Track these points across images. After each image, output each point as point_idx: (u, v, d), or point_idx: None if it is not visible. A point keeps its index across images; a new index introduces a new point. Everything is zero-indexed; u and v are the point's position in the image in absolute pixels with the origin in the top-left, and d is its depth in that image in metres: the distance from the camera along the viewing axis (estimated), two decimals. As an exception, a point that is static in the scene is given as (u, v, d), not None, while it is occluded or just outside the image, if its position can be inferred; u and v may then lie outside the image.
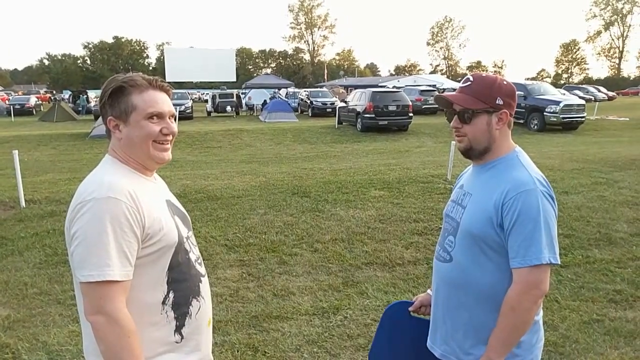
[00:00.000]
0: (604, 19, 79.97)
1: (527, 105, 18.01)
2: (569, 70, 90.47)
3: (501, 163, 1.57)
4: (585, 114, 18.42)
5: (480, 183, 1.59)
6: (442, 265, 1.65)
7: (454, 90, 1.71)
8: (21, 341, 3.27)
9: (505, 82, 1.58)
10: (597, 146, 12.90)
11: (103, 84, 1.47)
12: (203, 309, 1.50)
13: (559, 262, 1.46)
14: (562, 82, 75.06)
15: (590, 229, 5.31)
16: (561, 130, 17.83)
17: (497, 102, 1.54)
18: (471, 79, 1.60)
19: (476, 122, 1.56)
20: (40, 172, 10.45)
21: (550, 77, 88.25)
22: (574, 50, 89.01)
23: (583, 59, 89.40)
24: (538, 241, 1.42)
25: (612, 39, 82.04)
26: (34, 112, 33.80)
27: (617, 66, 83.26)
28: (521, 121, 18.08)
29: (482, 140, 1.57)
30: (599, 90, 43.65)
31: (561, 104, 17.45)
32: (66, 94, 50.80)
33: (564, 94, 21.94)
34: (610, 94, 45.15)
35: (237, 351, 3.14)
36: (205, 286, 1.54)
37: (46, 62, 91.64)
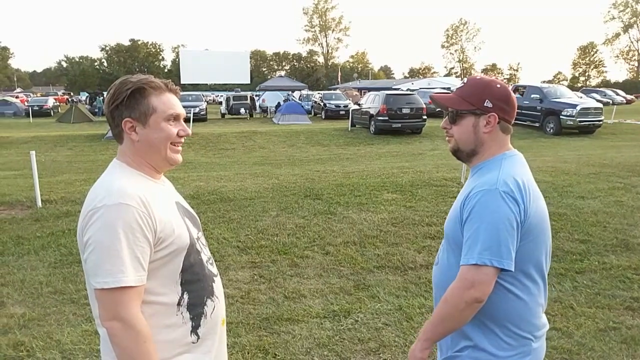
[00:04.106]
0: (622, 21, 78.86)
1: (543, 108, 17.80)
2: (587, 73, 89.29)
3: (485, 166, 1.54)
4: (602, 118, 18.13)
5: (464, 186, 1.59)
6: (434, 268, 1.67)
7: None
8: (35, 339, 3.31)
9: (498, 86, 1.54)
10: (614, 150, 12.68)
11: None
12: (218, 308, 1.51)
13: (507, 268, 1.37)
14: (579, 85, 74.06)
15: (607, 235, 5.21)
16: (578, 134, 17.56)
17: (484, 105, 1.51)
18: (465, 80, 1.60)
19: (462, 123, 1.55)
20: (56, 172, 10.61)
21: (567, 80, 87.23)
22: (592, 53, 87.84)
23: (601, 61, 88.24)
24: (481, 241, 1.37)
25: (631, 42, 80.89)
26: (52, 113, 34.33)
27: (635, 69, 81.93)
28: (537, 125, 17.89)
29: (468, 142, 1.55)
30: (617, 94, 43.02)
31: (578, 107, 17.21)
32: (83, 96, 51.60)
33: (581, 97, 21.64)
34: (629, 97, 44.50)
35: (248, 353, 3.14)
36: (218, 286, 1.55)
37: (64, 64, 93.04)
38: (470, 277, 1.38)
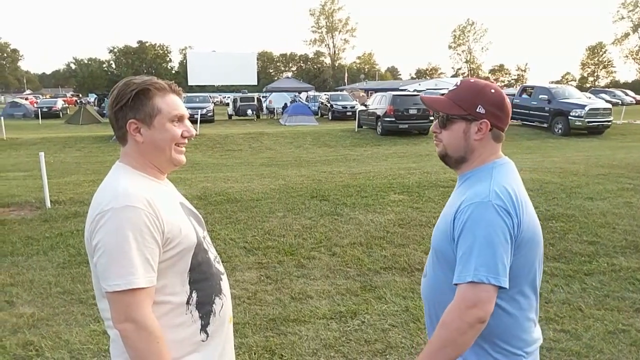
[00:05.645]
0: (632, 20, 77.95)
1: (552, 109, 17.68)
2: (595, 74, 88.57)
3: (475, 175, 1.47)
4: (611, 118, 18.00)
5: (453, 196, 1.53)
6: (422, 280, 1.61)
7: None
8: (44, 339, 3.33)
9: (493, 91, 1.46)
10: (624, 151, 12.57)
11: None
12: (225, 306, 1.52)
13: (503, 285, 1.29)
14: (588, 85, 73.50)
15: (616, 236, 5.17)
16: (586, 134, 17.44)
17: (477, 110, 1.44)
18: (459, 83, 1.53)
19: (452, 128, 1.48)
20: (65, 173, 10.69)
21: (575, 81, 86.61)
22: (601, 53, 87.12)
23: (610, 61, 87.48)
24: (476, 257, 1.29)
25: (641, 41, 80.00)
26: (61, 114, 34.58)
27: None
28: (545, 125, 17.77)
29: (457, 148, 1.49)
30: (627, 94, 42.73)
31: (586, 108, 17.08)
32: (92, 97, 52.01)
33: (590, 98, 21.49)
34: (638, 97, 44.09)
35: (255, 354, 3.14)
36: (225, 284, 1.56)
37: (73, 66, 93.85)
38: (471, 295, 1.28)
